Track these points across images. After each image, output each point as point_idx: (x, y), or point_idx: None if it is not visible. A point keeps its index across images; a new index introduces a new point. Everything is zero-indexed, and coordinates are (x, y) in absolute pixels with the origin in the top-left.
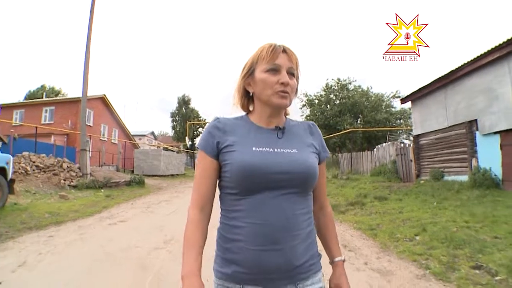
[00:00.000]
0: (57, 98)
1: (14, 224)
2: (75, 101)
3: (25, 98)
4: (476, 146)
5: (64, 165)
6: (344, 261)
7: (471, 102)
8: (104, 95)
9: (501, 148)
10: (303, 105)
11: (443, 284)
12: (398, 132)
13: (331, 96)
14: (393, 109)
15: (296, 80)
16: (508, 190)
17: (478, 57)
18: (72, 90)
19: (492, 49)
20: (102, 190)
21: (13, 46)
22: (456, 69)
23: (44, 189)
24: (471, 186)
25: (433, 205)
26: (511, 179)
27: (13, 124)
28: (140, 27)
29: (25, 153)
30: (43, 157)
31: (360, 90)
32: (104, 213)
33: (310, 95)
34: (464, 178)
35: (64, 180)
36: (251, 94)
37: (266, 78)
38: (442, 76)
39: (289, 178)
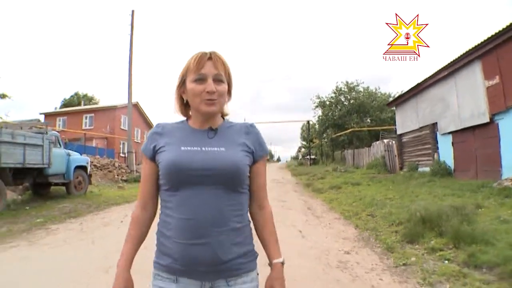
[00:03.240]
0: (96, 106)
1: (99, 203)
2: (111, 109)
3: (62, 105)
4: (437, 143)
5: (116, 164)
6: (283, 263)
7: (433, 108)
8: (137, 102)
9: (452, 145)
10: (316, 106)
11: (345, 220)
12: None
13: (340, 97)
14: None
15: (228, 83)
16: (457, 177)
17: (435, 73)
18: (103, 95)
19: (443, 67)
20: None
21: (44, 56)
22: (422, 82)
23: (103, 182)
24: (431, 175)
25: (388, 187)
26: (459, 169)
27: (57, 131)
28: (171, 33)
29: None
30: (98, 158)
31: (368, 91)
32: None
33: (322, 97)
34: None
35: (117, 175)
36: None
37: (193, 88)
38: (413, 87)
39: (213, 174)
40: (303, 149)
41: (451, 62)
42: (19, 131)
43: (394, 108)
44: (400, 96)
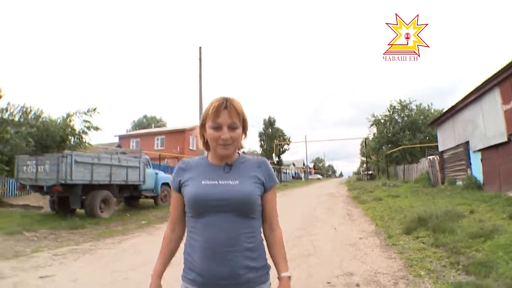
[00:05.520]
0: (166, 129)
1: None
2: (181, 131)
3: (132, 127)
4: (470, 159)
5: None
6: (289, 277)
7: (466, 128)
8: None
9: (481, 161)
10: (371, 125)
11: (371, 222)
12: None
13: (394, 115)
14: None
15: (243, 126)
16: (486, 190)
17: (465, 97)
18: (169, 117)
19: (471, 92)
20: None
21: (114, 81)
22: (455, 104)
23: None
24: (463, 188)
25: (419, 199)
26: (487, 182)
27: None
28: (230, 52)
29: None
30: (171, 175)
31: (420, 108)
32: None
33: (377, 116)
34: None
35: None
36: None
37: (211, 134)
38: (449, 109)
39: (228, 204)
40: (364, 165)
41: (477, 87)
42: (122, 155)
43: (436, 127)
44: (439, 117)
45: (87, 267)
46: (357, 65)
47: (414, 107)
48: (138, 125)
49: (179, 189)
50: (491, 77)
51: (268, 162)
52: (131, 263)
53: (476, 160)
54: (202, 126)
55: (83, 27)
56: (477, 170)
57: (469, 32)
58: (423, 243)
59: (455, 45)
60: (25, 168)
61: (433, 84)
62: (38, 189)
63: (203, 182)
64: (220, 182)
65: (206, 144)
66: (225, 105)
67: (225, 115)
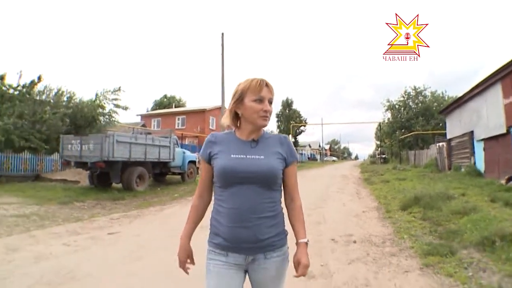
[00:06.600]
0: (187, 108)
1: None
2: (201, 111)
3: (153, 106)
4: (474, 148)
5: None
6: (307, 243)
7: (471, 118)
8: (225, 106)
9: (484, 150)
10: (386, 110)
11: (375, 200)
12: None
13: (408, 101)
14: None
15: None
16: (486, 178)
17: (471, 89)
18: (188, 97)
19: (476, 85)
20: None
21: (137, 61)
22: (462, 95)
23: None
24: (465, 175)
25: (422, 182)
26: (488, 170)
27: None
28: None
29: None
30: (196, 154)
31: (434, 95)
32: None
33: (391, 101)
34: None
35: None
36: (240, 115)
37: (254, 106)
38: (457, 99)
39: (253, 176)
40: (380, 148)
41: (482, 80)
42: (156, 136)
43: (445, 116)
44: (448, 106)
45: (142, 227)
46: (381, 47)
47: (429, 94)
48: (159, 104)
49: (209, 160)
50: (494, 72)
51: (290, 139)
52: (177, 225)
53: (479, 149)
54: (238, 101)
55: (108, 8)
56: (479, 158)
57: (492, 18)
58: (414, 217)
59: (478, 30)
60: (69, 146)
61: (454, 70)
62: (82, 165)
63: (232, 155)
64: (247, 156)
65: (235, 119)
66: (266, 83)
67: (266, 91)
